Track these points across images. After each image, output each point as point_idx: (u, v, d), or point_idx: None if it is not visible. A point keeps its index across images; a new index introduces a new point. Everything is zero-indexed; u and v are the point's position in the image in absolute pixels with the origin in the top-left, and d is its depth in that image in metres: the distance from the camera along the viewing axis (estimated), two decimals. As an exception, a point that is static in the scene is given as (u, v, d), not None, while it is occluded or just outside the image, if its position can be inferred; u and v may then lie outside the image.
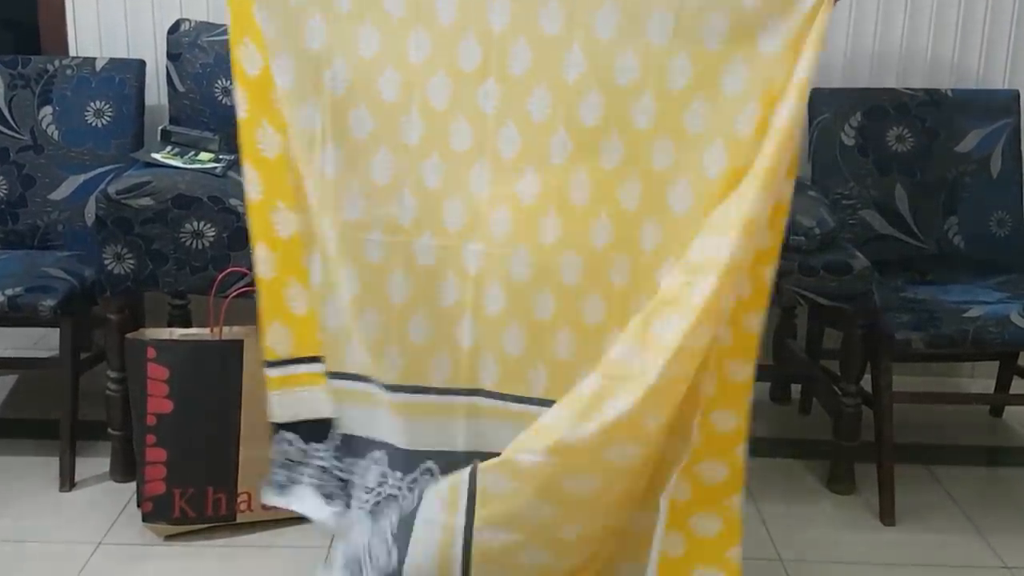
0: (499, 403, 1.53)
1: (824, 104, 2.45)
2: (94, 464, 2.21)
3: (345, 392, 1.58)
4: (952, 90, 2.48)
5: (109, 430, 2.16)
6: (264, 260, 1.54)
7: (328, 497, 1.60)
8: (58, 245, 2.36)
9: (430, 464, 1.54)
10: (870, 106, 2.44)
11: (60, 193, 2.36)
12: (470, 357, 1.52)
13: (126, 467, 2.17)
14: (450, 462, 1.52)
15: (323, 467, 1.60)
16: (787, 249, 2.06)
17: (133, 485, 2.14)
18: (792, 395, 2.66)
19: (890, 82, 2.59)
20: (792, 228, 2.09)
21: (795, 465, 2.34)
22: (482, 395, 1.53)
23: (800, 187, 2.34)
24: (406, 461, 1.55)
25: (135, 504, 2.06)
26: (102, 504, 2.09)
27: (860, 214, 2.41)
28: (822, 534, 2.07)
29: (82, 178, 2.36)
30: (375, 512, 1.55)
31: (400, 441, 1.55)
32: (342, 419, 1.59)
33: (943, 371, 2.72)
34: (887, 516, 2.12)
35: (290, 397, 1.58)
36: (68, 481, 2.15)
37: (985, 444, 2.52)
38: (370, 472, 1.57)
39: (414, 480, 1.55)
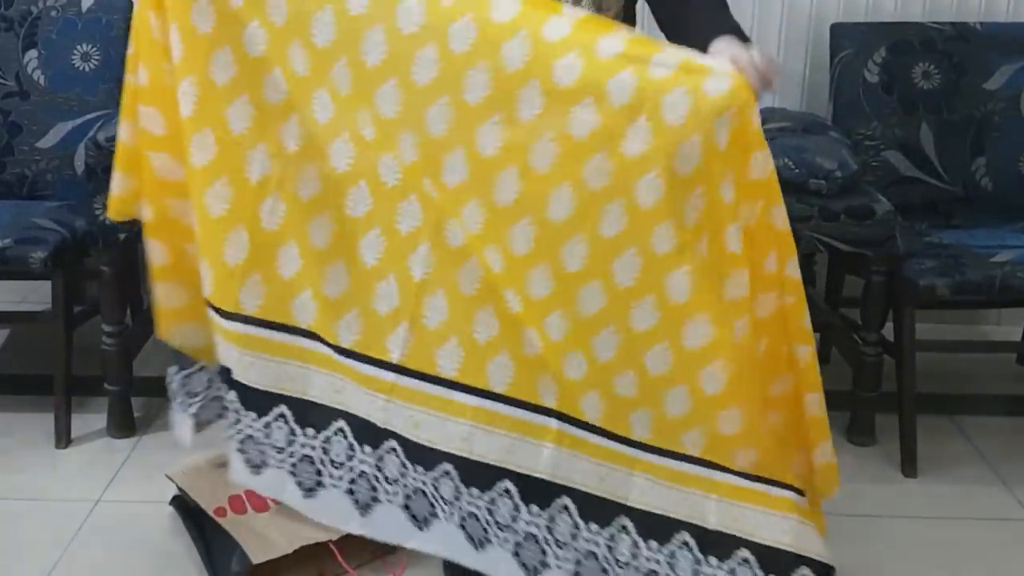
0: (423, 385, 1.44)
1: (847, 39, 2.36)
2: (90, 420, 2.16)
3: (300, 350, 1.48)
4: (981, 24, 2.39)
5: (105, 385, 2.11)
6: (222, 198, 1.44)
7: (293, 476, 1.50)
8: (47, 195, 2.29)
9: (393, 443, 1.46)
10: (895, 41, 2.34)
11: (48, 141, 2.29)
12: (431, 337, 1.43)
13: (123, 423, 2.14)
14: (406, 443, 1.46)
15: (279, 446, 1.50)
16: (807, 193, 2.03)
17: (131, 441, 2.12)
18: (810, 344, 2.60)
19: (916, 16, 2.49)
20: (812, 171, 2.03)
21: (813, 416, 2.29)
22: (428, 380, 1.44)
23: (821, 127, 2.29)
24: (373, 434, 1.46)
25: (133, 461, 2.03)
26: (100, 461, 2.05)
27: (883, 155, 2.33)
28: (842, 486, 1.98)
29: (70, 125, 2.28)
30: (356, 491, 1.48)
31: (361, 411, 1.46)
32: (295, 381, 1.49)
33: (968, 318, 2.65)
34: (909, 468, 2.07)
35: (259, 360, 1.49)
36: (64, 438, 2.10)
37: (1011, 393, 2.46)
38: (335, 445, 1.48)
39: (380, 458, 1.47)
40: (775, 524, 1.43)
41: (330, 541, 1.63)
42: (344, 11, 1.35)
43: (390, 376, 1.44)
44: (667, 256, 1.34)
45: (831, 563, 1.45)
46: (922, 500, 1.98)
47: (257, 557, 1.59)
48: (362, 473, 1.48)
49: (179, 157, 1.46)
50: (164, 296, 1.52)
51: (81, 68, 2.29)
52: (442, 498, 1.45)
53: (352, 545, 1.64)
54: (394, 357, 1.44)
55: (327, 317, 1.46)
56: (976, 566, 1.80)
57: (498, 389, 1.41)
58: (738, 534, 1.43)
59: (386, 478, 1.47)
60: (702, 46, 1.41)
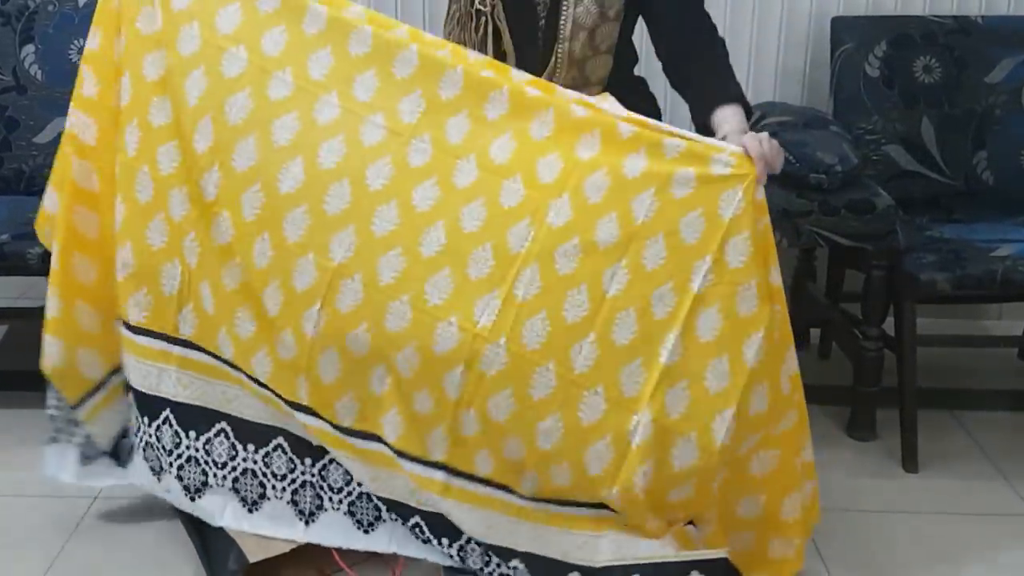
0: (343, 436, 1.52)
1: (847, 33, 2.34)
2: (89, 416, 2.15)
3: (232, 376, 1.57)
4: (982, 17, 2.38)
5: (104, 381, 2.11)
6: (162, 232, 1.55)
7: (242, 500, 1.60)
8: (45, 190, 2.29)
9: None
10: (896, 35, 2.33)
11: (45, 136, 2.28)
12: (328, 391, 1.50)
13: (122, 419, 2.13)
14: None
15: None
16: (807, 187, 2.02)
17: (130, 438, 2.11)
18: (811, 339, 2.59)
19: (917, 9, 2.48)
20: (812, 165, 2.02)
21: (814, 411, 2.22)
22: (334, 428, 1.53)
23: (822, 122, 2.27)
24: (314, 448, 1.56)
25: (132, 457, 2.02)
26: (98, 457, 2.04)
27: (884, 149, 2.32)
28: (843, 482, 2.01)
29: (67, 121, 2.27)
30: (299, 501, 1.57)
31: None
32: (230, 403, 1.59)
33: (969, 313, 2.64)
34: (910, 463, 2.06)
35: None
36: (63, 434, 2.10)
37: (1012, 388, 2.45)
38: (276, 459, 1.58)
39: (324, 467, 1.55)
40: (655, 540, 1.46)
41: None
42: (305, 75, 1.43)
43: (302, 416, 1.52)
44: (575, 325, 1.37)
45: (721, 555, 1.47)
46: (923, 495, 1.97)
47: (254, 556, 1.59)
48: (304, 483, 1.56)
49: (99, 171, 1.56)
50: (48, 303, 1.60)
51: (78, 63, 2.25)
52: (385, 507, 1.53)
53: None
54: (302, 401, 1.51)
55: (243, 354, 1.54)
56: (977, 561, 1.79)
57: (389, 440, 1.47)
58: (625, 561, 1.45)
59: (330, 487, 1.54)
60: (704, 108, 1.49)
